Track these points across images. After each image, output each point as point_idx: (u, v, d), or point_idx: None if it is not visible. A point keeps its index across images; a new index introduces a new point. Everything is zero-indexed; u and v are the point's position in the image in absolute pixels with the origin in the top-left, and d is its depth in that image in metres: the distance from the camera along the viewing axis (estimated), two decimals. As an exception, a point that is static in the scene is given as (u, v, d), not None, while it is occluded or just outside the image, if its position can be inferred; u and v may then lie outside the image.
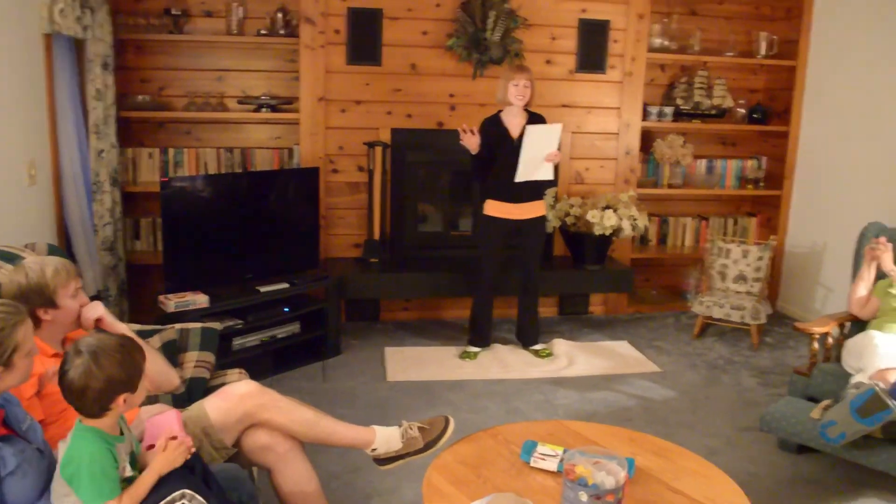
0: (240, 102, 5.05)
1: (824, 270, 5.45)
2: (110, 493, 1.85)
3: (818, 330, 3.59)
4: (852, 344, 3.34)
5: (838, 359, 3.55)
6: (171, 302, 3.83)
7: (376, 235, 5.12)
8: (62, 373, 1.87)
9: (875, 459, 2.89)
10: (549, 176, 4.37)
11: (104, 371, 1.85)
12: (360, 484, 3.16)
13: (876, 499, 3.17)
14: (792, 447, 3.52)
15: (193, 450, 2.04)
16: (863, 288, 3.65)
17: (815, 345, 3.62)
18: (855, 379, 3.10)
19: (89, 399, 1.85)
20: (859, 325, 3.70)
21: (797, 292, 5.74)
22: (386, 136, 5.14)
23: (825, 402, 3.13)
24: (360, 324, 5.25)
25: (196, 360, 2.90)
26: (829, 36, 5.38)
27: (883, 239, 3.55)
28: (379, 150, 5.03)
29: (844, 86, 5.24)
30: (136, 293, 4.86)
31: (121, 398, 1.89)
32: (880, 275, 3.62)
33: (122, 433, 1.97)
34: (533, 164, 4.28)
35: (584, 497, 2.04)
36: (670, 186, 5.83)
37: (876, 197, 4.89)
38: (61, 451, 1.87)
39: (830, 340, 3.69)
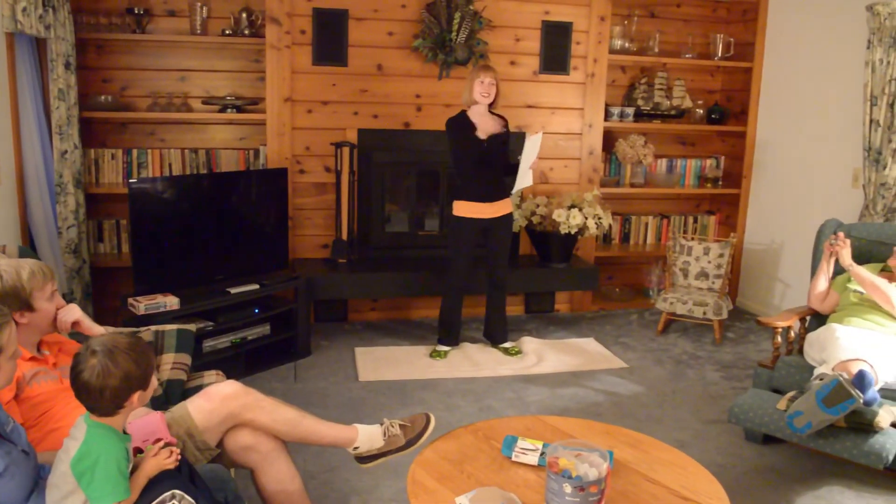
0: (204, 103, 5.01)
1: (782, 266, 5.62)
2: (124, 492, 1.84)
3: (781, 324, 3.70)
4: (815, 337, 3.45)
5: (800, 352, 3.66)
6: (142, 304, 3.79)
7: (344, 236, 5.12)
8: (76, 373, 1.86)
9: (839, 447, 2.99)
10: (531, 182, 4.47)
11: (121, 369, 1.86)
12: (337, 483, 3.17)
13: (840, 486, 3.29)
14: (758, 438, 3.63)
15: (179, 456, 2.04)
16: (822, 283, 3.77)
17: (778, 338, 3.73)
18: (818, 370, 3.21)
19: (106, 398, 1.85)
20: (819, 319, 3.82)
21: (756, 288, 5.90)
22: (353, 137, 5.14)
23: (790, 394, 3.23)
24: (329, 324, 5.25)
25: (173, 362, 2.88)
26: (784, 38, 5.54)
27: (841, 234, 3.68)
28: (346, 150, 5.03)
29: (799, 86, 5.40)
30: (100, 296, 4.78)
31: (135, 395, 1.90)
32: (839, 270, 3.75)
33: (125, 432, 1.97)
34: (524, 173, 4.38)
35: (568, 489, 2.09)
36: (632, 186, 5.94)
37: (831, 195, 5.06)
38: (70, 447, 1.85)
39: (793, 334, 3.80)
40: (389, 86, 5.19)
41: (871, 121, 4.45)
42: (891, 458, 2.92)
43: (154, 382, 1.99)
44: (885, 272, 3.61)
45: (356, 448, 2.56)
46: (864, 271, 3.52)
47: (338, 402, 4.01)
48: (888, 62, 4.31)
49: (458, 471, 2.39)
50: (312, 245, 5.28)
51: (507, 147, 4.48)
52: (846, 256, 3.61)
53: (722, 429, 3.82)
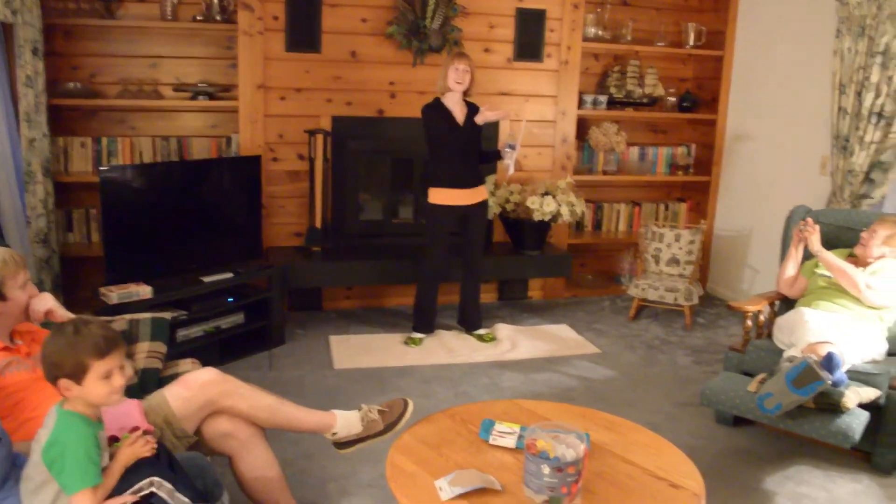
0: (175, 90, 4.95)
1: (751, 252, 5.70)
2: (95, 478, 1.83)
3: (751, 308, 3.76)
4: (784, 321, 3.52)
5: (769, 335, 3.73)
6: (114, 294, 3.75)
7: (318, 224, 5.10)
8: None
9: (808, 428, 3.06)
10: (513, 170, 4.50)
11: (48, 350, 1.88)
12: (315, 469, 3.17)
13: (808, 466, 3.38)
14: (729, 420, 3.70)
15: (156, 444, 2.03)
16: (791, 268, 3.84)
17: (749, 322, 3.79)
18: (788, 353, 3.27)
19: (45, 372, 1.89)
20: (788, 303, 3.90)
21: (726, 274, 5.98)
22: (326, 124, 5.12)
23: (761, 376, 3.30)
24: (303, 313, 5.23)
25: (148, 351, 2.86)
26: (755, 27, 5.61)
27: (810, 220, 3.74)
28: (319, 137, 5.00)
29: (769, 75, 5.47)
30: (70, 286, 4.72)
31: (61, 383, 1.87)
32: (808, 255, 3.82)
33: (100, 420, 1.95)
34: (513, 160, 4.42)
35: (546, 470, 2.11)
36: (605, 173, 5.98)
37: (799, 182, 5.13)
38: (42, 436, 1.84)
39: (762, 318, 3.87)
40: (363, 73, 5.17)
41: (839, 109, 4.53)
42: (857, 437, 2.99)
43: (96, 386, 1.91)
44: (852, 258, 3.68)
45: (335, 434, 2.57)
46: (832, 257, 3.59)
47: (314, 390, 4.01)
48: (856, 51, 4.38)
49: (436, 454, 2.41)
50: (286, 233, 5.26)
51: (480, 134, 4.50)
52: (815, 242, 3.67)
53: (694, 411, 3.88)
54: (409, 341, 4.72)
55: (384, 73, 5.21)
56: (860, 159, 4.41)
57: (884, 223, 3.62)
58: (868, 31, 4.31)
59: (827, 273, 3.66)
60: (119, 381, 1.93)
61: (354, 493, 3.04)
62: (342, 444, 2.60)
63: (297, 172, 5.18)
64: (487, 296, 5.58)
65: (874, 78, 4.28)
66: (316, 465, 3.20)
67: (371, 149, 5.30)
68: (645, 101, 5.91)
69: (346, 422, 2.57)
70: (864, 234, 3.64)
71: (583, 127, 5.83)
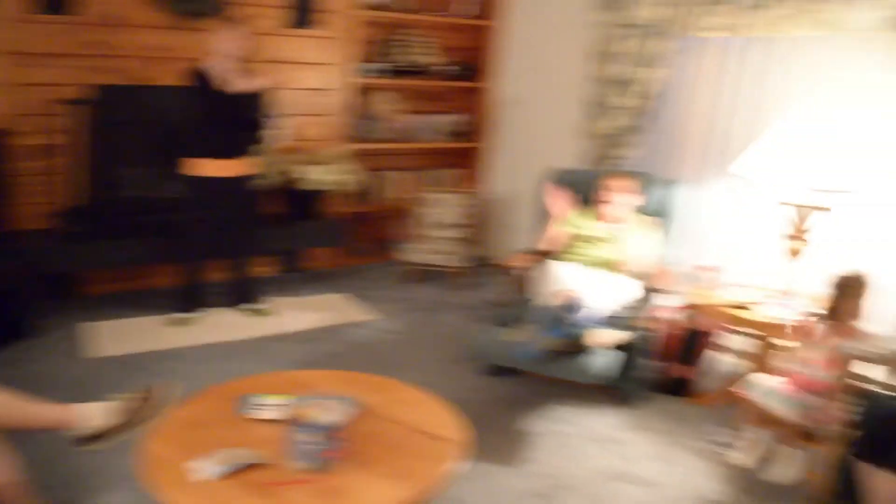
0: None
1: (520, 214, 6.01)
2: None
3: (514, 265, 4.02)
4: (538, 273, 3.80)
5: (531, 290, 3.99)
6: None
7: (74, 203, 4.72)
8: None
9: (560, 370, 3.34)
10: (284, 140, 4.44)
11: None
12: (66, 469, 2.92)
13: (566, 405, 3.75)
14: (494, 371, 3.98)
15: None
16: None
17: (510, 278, 4.02)
18: (540, 302, 3.56)
19: None
20: (547, 258, 4.17)
21: (496, 236, 6.29)
22: (83, 94, 4.68)
23: (517, 326, 3.54)
24: (56, 301, 4.76)
25: None
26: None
27: None
28: (75, 108, 4.59)
29: (535, 45, 5.78)
30: None
31: None
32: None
33: None
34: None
35: (307, 437, 2.13)
36: (383, 141, 6.01)
37: (560, 145, 5.46)
38: None
39: (525, 274, 4.11)
40: (124, 37, 4.79)
41: (591, 76, 4.87)
42: (603, 374, 3.31)
43: None
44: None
45: (81, 428, 2.38)
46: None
47: (68, 383, 3.68)
48: (605, 23, 4.72)
49: (196, 437, 2.34)
50: (37, 214, 4.77)
51: (247, 103, 4.34)
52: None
53: (464, 367, 4.09)
54: (177, 322, 4.52)
55: (147, 39, 4.86)
56: (610, 123, 4.78)
57: (614, 180, 3.99)
58: (617, 4, 4.64)
59: (587, 232, 3.98)
60: None
61: (113, 488, 2.85)
62: (91, 440, 2.39)
63: (50, 147, 4.72)
64: (264, 269, 5.45)
65: (620, 48, 4.63)
66: (68, 463, 2.94)
67: (133, 120, 4.92)
68: (422, 69, 5.99)
69: (92, 414, 2.38)
70: (607, 195, 3.96)
71: (361, 95, 5.82)
